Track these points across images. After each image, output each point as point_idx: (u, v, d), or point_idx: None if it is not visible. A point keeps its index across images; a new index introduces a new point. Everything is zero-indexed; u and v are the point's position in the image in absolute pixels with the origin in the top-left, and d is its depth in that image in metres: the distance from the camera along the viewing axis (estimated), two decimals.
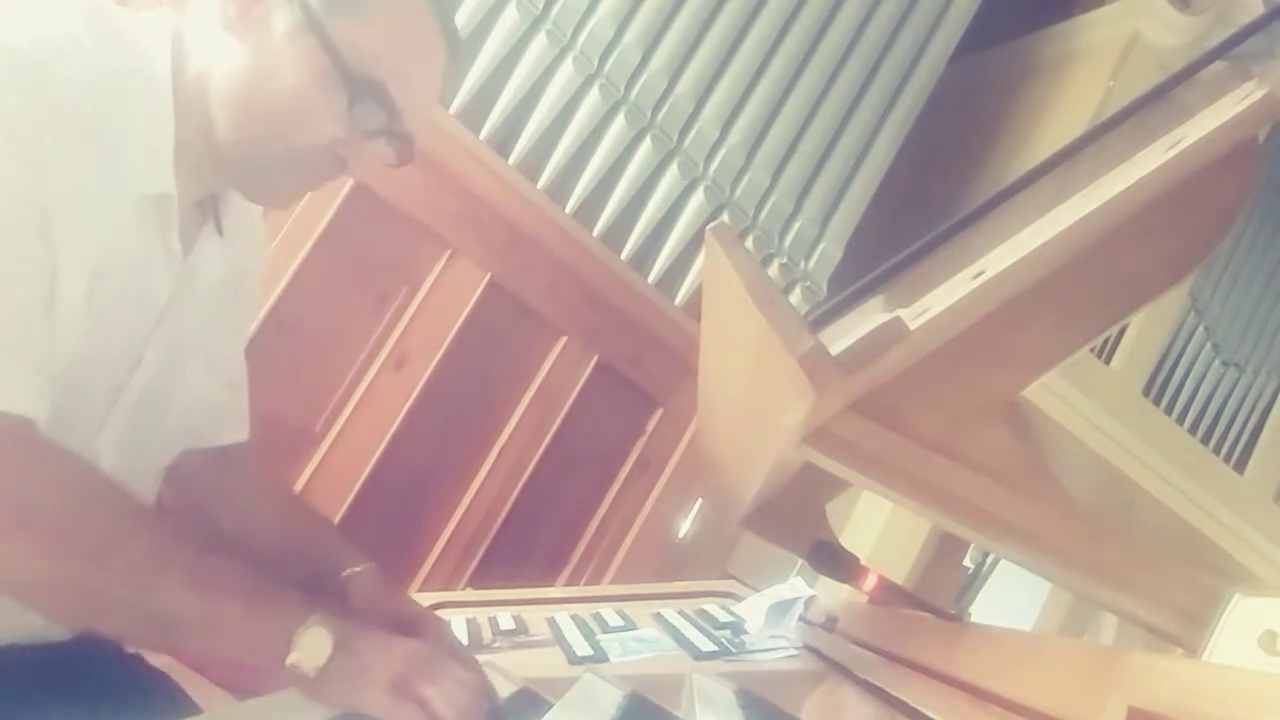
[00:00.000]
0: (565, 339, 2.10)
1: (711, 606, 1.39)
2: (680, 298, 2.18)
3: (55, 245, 0.63)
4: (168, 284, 0.77)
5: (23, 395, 0.63)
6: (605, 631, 1.15)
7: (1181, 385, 2.83)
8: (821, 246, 2.32)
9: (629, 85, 2.06)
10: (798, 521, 1.00)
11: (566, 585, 2.13)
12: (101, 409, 0.76)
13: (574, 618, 1.19)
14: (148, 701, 0.84)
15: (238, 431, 0.98)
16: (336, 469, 1.84)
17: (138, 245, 0.71)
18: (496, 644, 1.07)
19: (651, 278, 2.16)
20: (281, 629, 0.64)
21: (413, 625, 0.79)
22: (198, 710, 0.86)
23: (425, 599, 1.35)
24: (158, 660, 0.90)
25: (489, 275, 1.98)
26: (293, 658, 0.63)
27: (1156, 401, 2.77)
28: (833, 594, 1.26)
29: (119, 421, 0.77)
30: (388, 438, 1.90)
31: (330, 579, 0.87)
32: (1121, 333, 2.68)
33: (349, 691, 0.65)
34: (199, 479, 0.96)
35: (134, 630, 0.64)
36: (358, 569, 0.87)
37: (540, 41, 1.94)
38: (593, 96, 2.01)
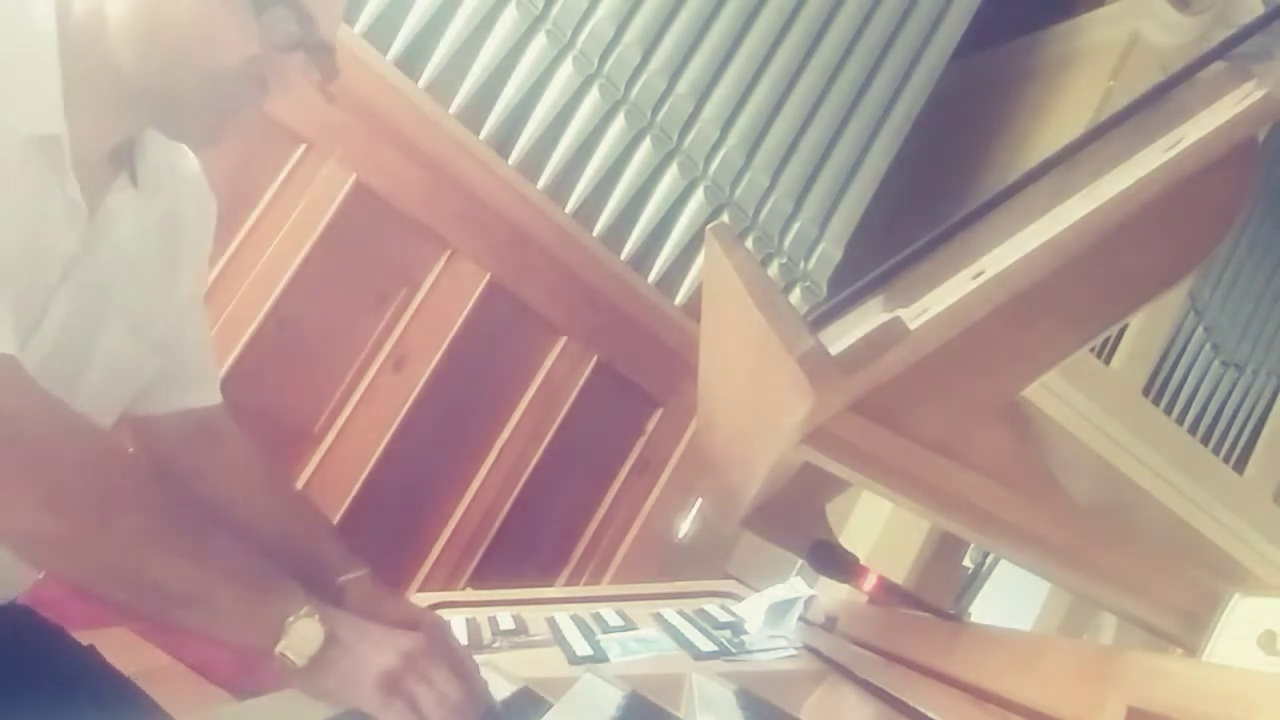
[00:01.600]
0: (565, 339, 2.10)
1: (711, 606, 1.39)
2: (680, 298, 2.18)
3: None
4: (71, 235, 0.72)
5: (3, 333, 0.60)
6: (605, 631, 1.15)
7: (1181, 385, 2.83)
8: (821, 246, 2.32)
9: (629, 85, 2.06)
10: (797, 521, 1.00)
11: (566, 585, 2.13)
12: None
13: (574, 618, 1.19)
14: (75, 674, 0.83)
15: (187, 396, 0.93)
16: (336, 469, 1.84)
17: (28, 190, 0.67)
18: (496, 644, 1.07)
19: (651, 278, 2.16)
20: (275, 615, 0.63)
21: (413, 630, 0.78)
22: (126, 682, 0.86)
23: (425, 599, 1.35)
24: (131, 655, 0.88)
25: (489, 275, 1.98)
26: (282, 645, 0.63)
27: (1156, 402, 2.78)
28: (832, 594, 1.26)
29: None
30: (387, 438, 1.90)
31: (326, 584, 0.85)
32: (1121, 333, 2.68)
33: (339, 685, 0.64)
34: (178, 453, 0.93)
35: (130, 596, 0.62)
36: (353, 575, 0.86)
37: (540, 41, 1.94)
38: (593, 96, 2.01)
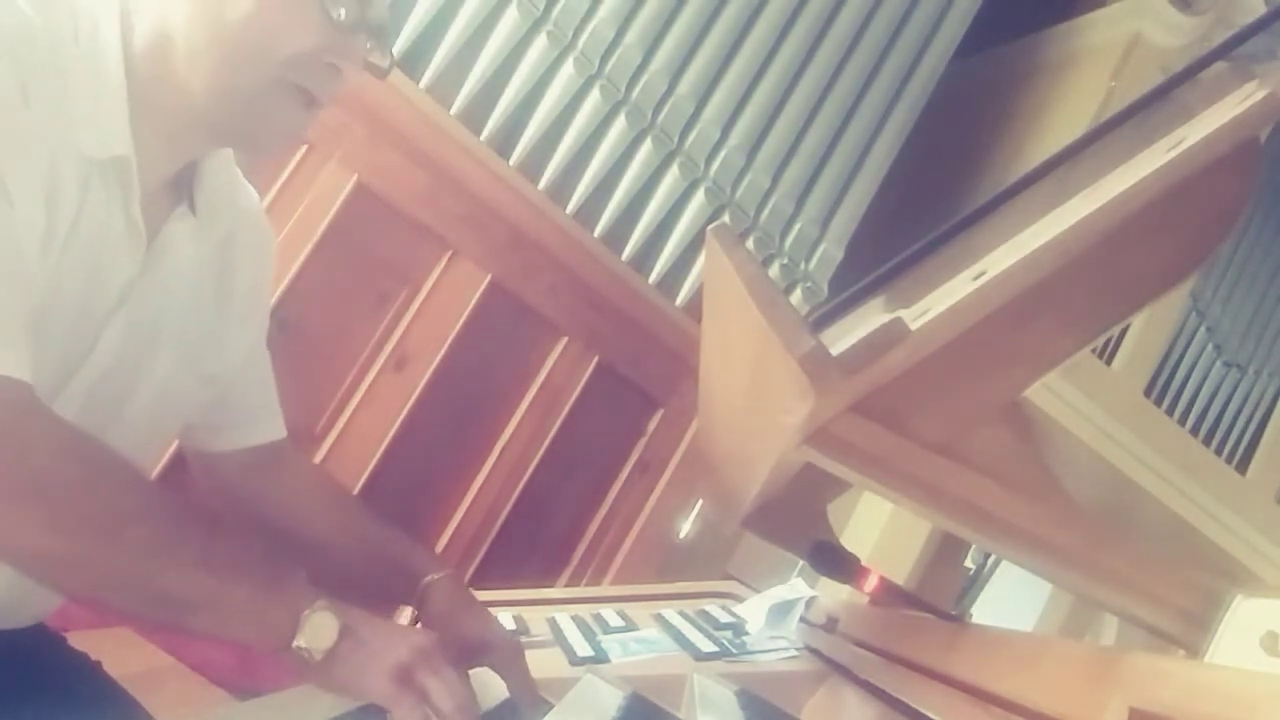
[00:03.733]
0: (566, 340, 2.10)
1: (712, 607, 1.39)
2: (681, 298, 2.18)
3: (14, 203, 0.61)
4: (130, 258, 0.73)
5: (17, 359, 0.61)
6: (606, 632, 1.15)
7: (1183, 386, 2.83)
8: (822, 247, 2.32)
9: (630, 86, 2.06)
10: (798, 522, 1.00)
11: (567, 586, 2.13)
12: (51, 387, 0.70)
13: (575, 618, 1.19)
14: (74, 687, 0.84)
15: (252, 432, 0.95)
16: (337, 470, 1.84)
17: (92, 212, 0.68)
18: None
19: (652, 278, 2.16)
20: (289, 611, 0.64)
21: (486, 648, 0.77)
22: (125, 696, 0.86)
23: None
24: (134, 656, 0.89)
25: (490, 276, 1.98)
26: (299, 640, 0.63)
27: (1158, 402, 2.77)
28: (834, 595, 1.26)
29: (71, 405, 0.72)
30: (389, 438, 1.90)
31: (410, 586, 0.87)
32: (1123, 333, 2.68)
33: (354, 677, 0.65)
34: (243, 482, 0.95)
35: (143, 608, 0.63)
36: (437, 576, 0.86)
37: (541, 42, 1.94)
38: (593, 97, 2.01)
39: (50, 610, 0.86)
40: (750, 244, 2.23)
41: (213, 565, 0.63)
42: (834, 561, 0.95)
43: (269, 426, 0.97)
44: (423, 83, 1.86)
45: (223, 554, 0.64)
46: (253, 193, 0.90)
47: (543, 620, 1.19)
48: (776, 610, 1.22)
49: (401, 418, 1.91)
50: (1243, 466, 2.95)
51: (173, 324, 0.79)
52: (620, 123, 2.05)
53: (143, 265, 0.74)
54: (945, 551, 2.51)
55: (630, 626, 1.19)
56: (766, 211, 2.25)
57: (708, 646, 1.06)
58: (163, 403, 0.82)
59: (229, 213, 0.84)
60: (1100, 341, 2.45)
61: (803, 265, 2.30)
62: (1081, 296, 0.68)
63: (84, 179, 0.67)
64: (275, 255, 0.97)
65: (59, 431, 0.63)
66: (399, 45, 1.82)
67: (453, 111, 1.89)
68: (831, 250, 2.33)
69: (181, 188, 0.79)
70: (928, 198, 2.59)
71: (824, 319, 0.79)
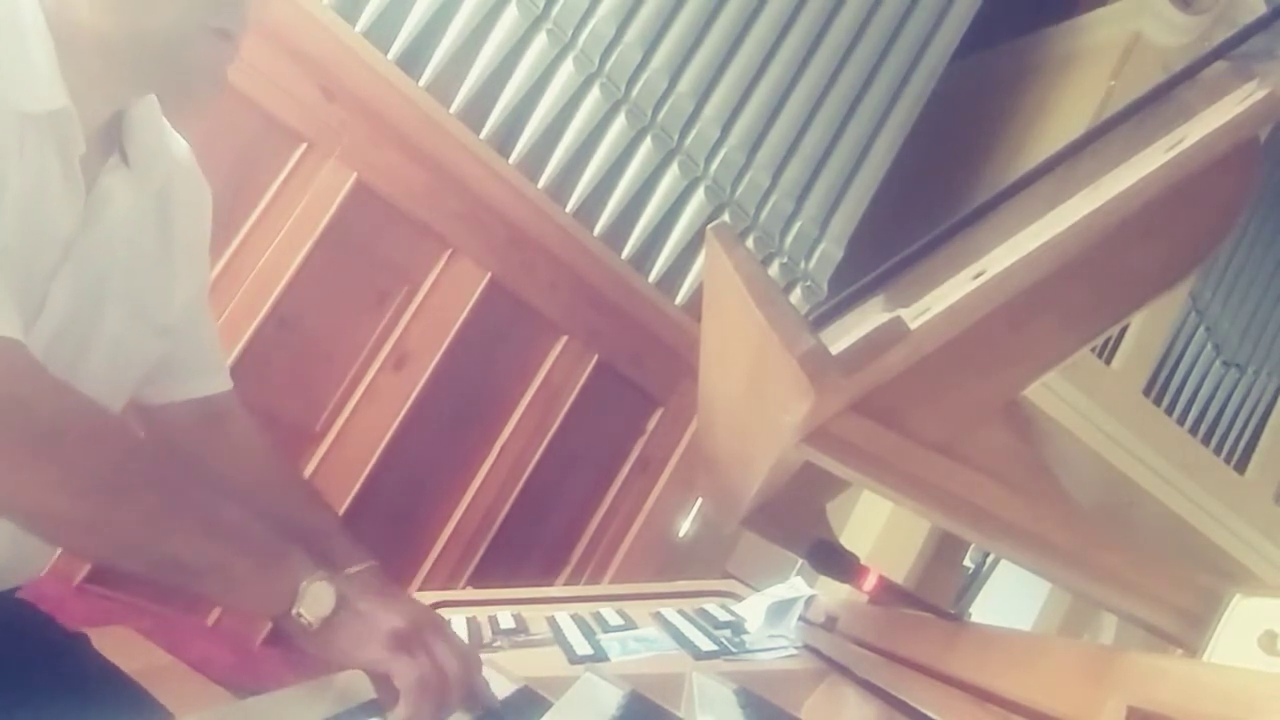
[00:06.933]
0: (566, 338, 2.10)
1: (712, 606, 1.39)
2: (680, 297, 2.18)
3: None
4: (71, 214, 0.72)
5: (8, 319, 0.61)
6: (605, 631, 1.15)
7: (1182, 385, 2.83)
8: (822, 246, 2.32)
9: (630, 84, 2.06)
10: (798, 521, 1.00)
11: (566, 584, 2.13)
12: None
13: (574, 617, 1.19)
14: (68, 666, 0.84)
15: (197, 384, 0.94)
16: (337, 468, 1.84)
17: (28, 169, 0.67)
18: (497, 643, 1.07)
19: (652, 277, 2.16)
20: (289, 581, 0.65)
21: None
22: (116, 674, 0.86)
23: (426, 598, 1.35)
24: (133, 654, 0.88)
25: (489, 274, 1.98)
26: (298, 608, 0.64)
27: (1157, 402, 2.78)
28: (833, 593, 1.26)
29: None
30: (388, 437, 1.90)
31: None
32: (1122, 333, 2.68)
33: (350, 645, 0.66)
34: (186, 435, 0.94)
35: (147, 570, 0.64)
36: (359, 568, 0.86)
37: (541, 41, 1.94)
38: (593, 96, 2.01)
39: (43, 568, 0.86)
40: (750, 243, 2.23)
41: (217, 535, 0.64)
42: (833, 560, 0.95)
43: (214, 379, 0.97)
44: (422, 81, 1.85)
45: (227, 524, 0.65)
46: (183, 142, 0.89)
47: (542, 619, 1.20)
48: (776, 609, 1.22)
49: (401, 416, 1.91)
50: (1241, 466, 2.95)
51: (118, 277, 0.79)
52: (620, 121, 2.05)
53: (83, 219, 0.74)
54: (944, 550, 2.51)
55: (629, 625, 1.19)
56: (766, 210, 2.25)
57: (707, 645, 1.06)
58: (118, 358, 0.82)
59: (163, 162, 0.83)
60: (1099, 341, 2.45)
61: (802, 264, 2.31)
62: (1081, 296, 0.68)
63: (19, 136, 0.66)
64: (212, 208, 0.95)
65: (63, 392, 0.63)
66: (399, 43, 1.82)
67: (452, 110, 1.89)
68: (831, 249, 2.33)
69: (111, 139, 0.78)
70: (927, 197, 2.59)
71: (824, 318, 0.79)
